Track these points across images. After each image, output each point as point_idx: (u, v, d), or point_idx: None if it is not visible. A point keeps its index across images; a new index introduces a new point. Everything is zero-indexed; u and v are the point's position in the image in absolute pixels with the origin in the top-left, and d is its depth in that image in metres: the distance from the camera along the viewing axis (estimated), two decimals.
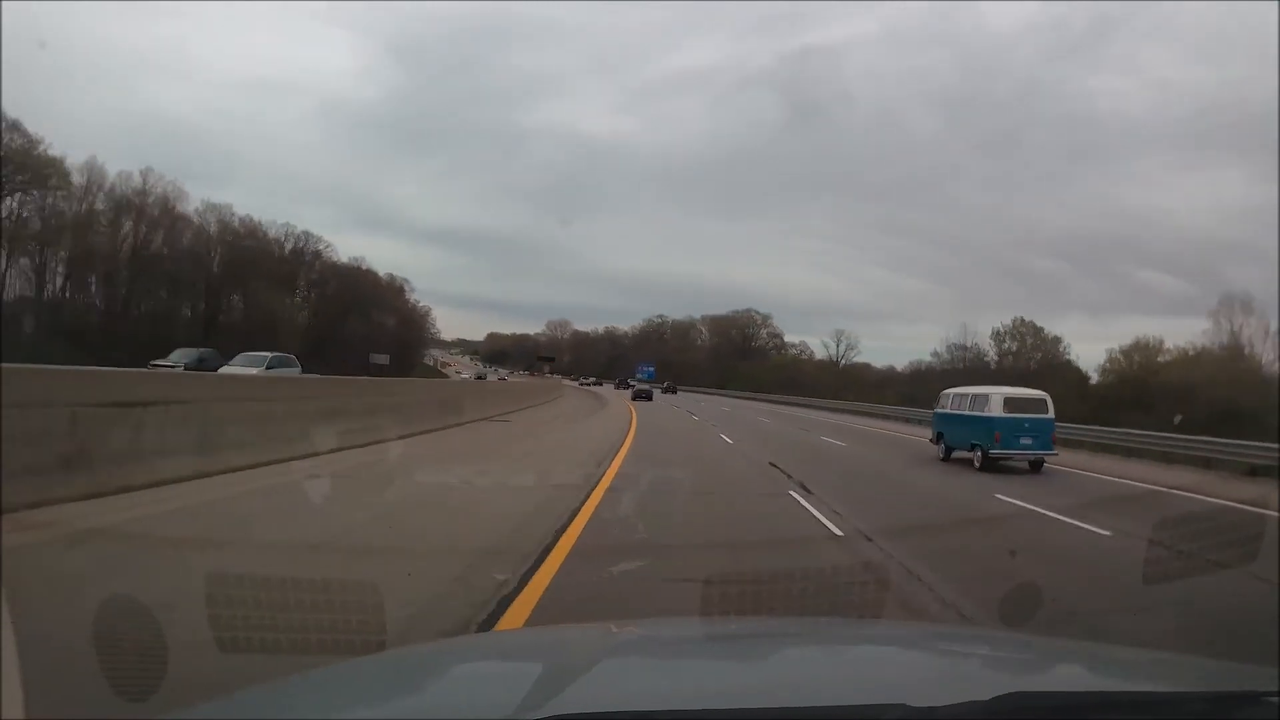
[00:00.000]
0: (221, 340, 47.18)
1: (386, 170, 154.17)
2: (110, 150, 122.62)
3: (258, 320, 64.17)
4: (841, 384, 75.65)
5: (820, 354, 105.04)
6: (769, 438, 24.79)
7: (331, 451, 11.88)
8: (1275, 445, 17.29)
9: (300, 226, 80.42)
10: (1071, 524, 9.59)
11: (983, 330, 71.61)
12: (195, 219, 67.85)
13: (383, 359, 58.01)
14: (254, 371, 22.52)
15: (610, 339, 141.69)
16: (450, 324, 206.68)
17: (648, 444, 19.63)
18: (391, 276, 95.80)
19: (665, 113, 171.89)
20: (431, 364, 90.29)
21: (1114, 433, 24.31)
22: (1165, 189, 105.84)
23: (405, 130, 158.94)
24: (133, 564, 5.34)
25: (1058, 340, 68.50)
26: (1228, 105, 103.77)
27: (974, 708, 1.30)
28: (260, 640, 2.93)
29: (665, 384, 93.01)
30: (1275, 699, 1.44)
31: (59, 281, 58.18)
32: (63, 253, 57.13)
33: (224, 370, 23.30)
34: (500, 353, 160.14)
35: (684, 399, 66.30)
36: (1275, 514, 10.14)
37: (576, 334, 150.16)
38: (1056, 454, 16.86)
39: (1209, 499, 12.70)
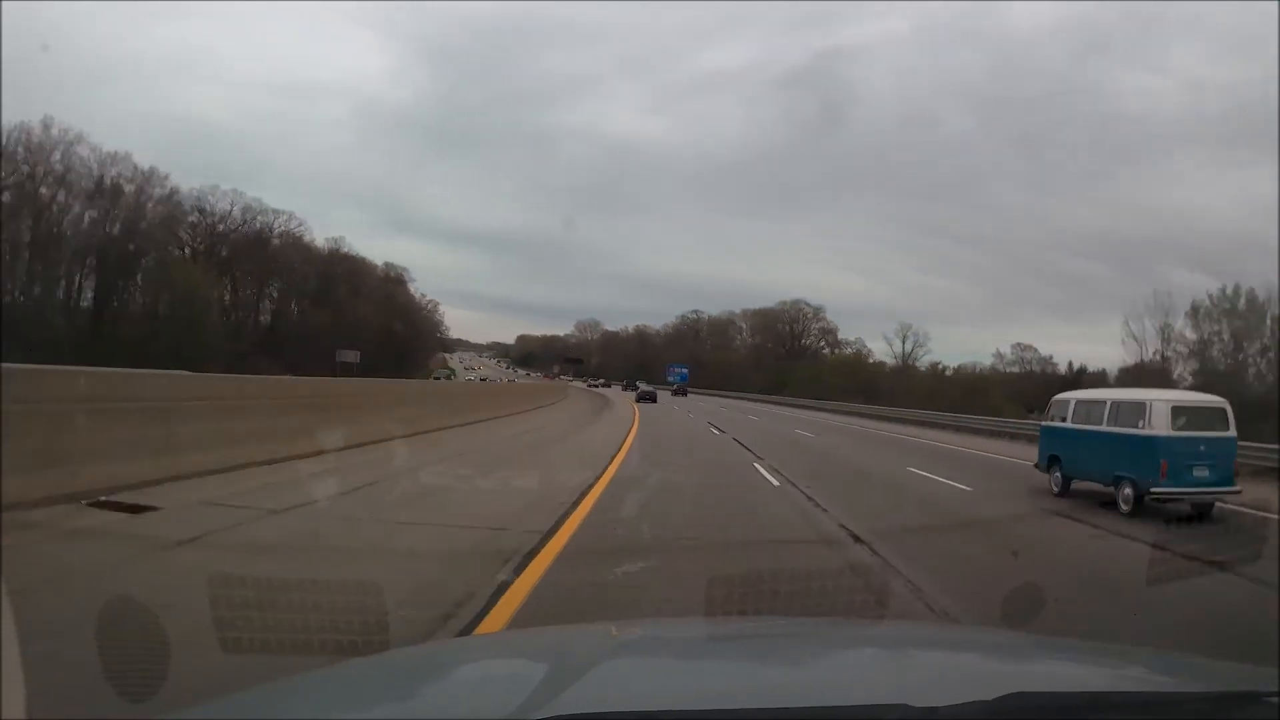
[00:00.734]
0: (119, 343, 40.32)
1: (419, 173, 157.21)
2: (141, 152, 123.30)
3: (170, 314, 53.32)
4: (929, 389, 64.82)
5: (877, 353, 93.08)
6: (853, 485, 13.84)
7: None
8: None
9: (275, 206, 73.69)
10: None
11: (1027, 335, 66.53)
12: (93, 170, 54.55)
13: (351, 356, 52.90)
14: None
15: (640, 339, 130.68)
16: (483, 327, 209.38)
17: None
18: (390, 266, 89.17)
19: (697, 113, 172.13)
20: (441, 364, 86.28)
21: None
22: (1197, 187, 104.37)
23: (437, 133, 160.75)
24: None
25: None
26: (1258, 102, 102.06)
27: (976, 708, 1.30)
28: (263, 640, 2.94)
29: (674, 387, 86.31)
30: (1275, 699, 1.44)
31: None
32: None
33: None
34: (529, 355, 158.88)
35: (701, 405, 53.92)
36: None
37: (606, 334, 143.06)
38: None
39: None
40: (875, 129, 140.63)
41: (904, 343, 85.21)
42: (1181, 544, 8.61)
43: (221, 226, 68.62)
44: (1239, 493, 11.14)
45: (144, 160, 60.18)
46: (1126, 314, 56.87)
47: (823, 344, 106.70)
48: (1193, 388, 36.83)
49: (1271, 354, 45.11)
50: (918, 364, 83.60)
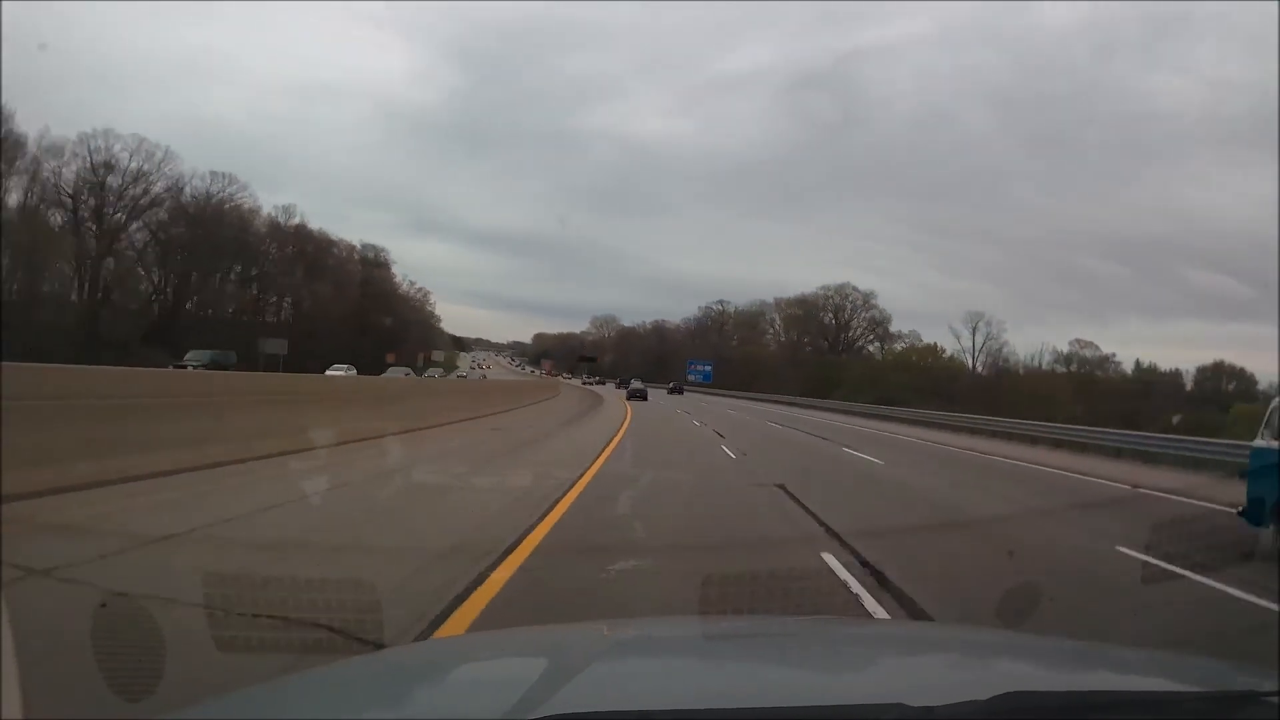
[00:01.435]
0: None
1: (442, 175, 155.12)
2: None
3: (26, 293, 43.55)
4: (1034, 392, 52.38)
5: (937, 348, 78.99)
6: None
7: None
8: None
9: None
10: None
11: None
12: None
13: (277, 347, 44.40)
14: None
15: (659, 334, 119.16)
16: (505, 327, 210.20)
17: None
18: (367, 247, 78.64)
19: (718, 114, 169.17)
20: (427, 359, 74.49)
21: None
22: (1219, 188, 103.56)
23: (461, 135, 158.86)
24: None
25: None
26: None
27: (972, 707, 1.30)
28: (259, 639, 2.93)
29: (671, 384, 79.61)
30: (1275, 699, 1.44)
31: None
32: None
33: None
34: (544, 353, 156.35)
35: (713, 411, 41.62)
36: None
37: (622, 331, 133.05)
38: None
39: None
40: (894, 130, 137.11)
41: (974, 335, 70.03)
42: (1174, 544, 8.58)
43: (119, 184, 55.77)
44: None
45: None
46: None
47: (871, 337, 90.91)
48: None
49: None
50: (1000, 360, 70.32)
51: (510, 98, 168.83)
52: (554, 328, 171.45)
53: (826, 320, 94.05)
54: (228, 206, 63.30)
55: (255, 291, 67.34)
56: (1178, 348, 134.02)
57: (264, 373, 29.08)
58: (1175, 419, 27.89)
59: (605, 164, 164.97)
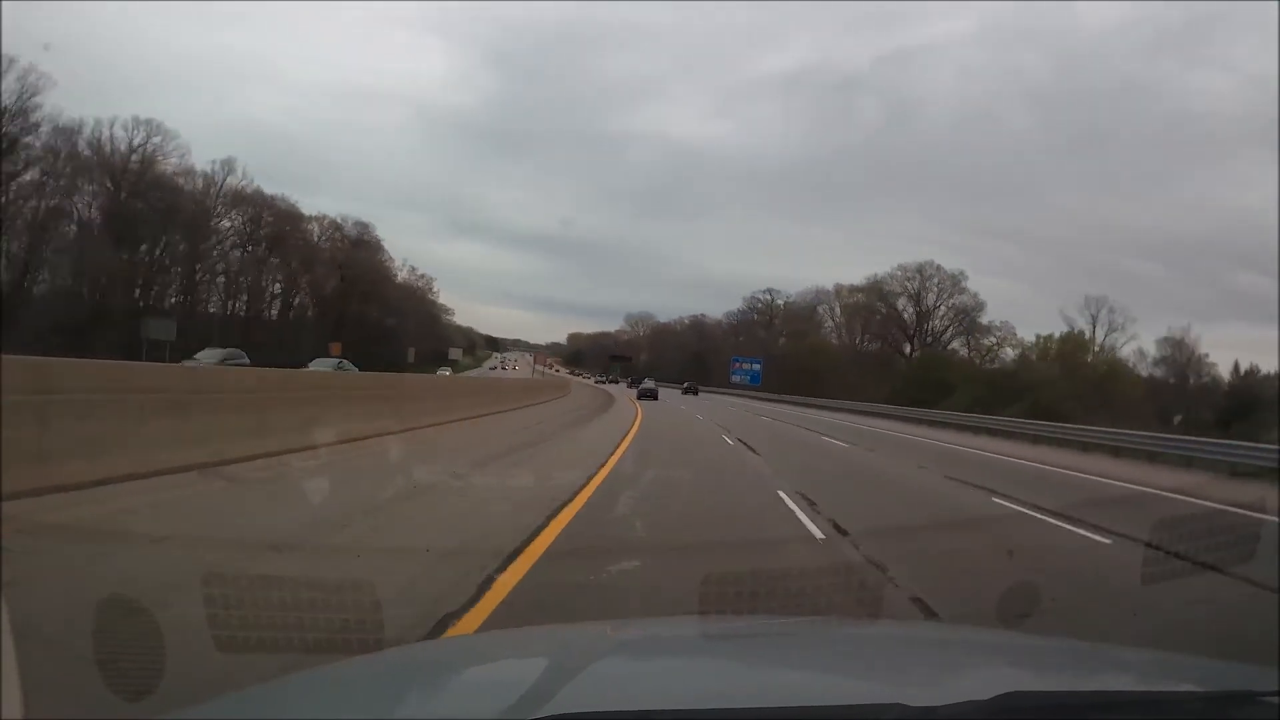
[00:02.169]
0: None
1: (480, 177, 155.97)
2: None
3: None
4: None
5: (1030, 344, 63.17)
6: None
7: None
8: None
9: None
10: None
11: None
12: None
13: (163, 331, 35.91)
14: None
15: (697, 330, 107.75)
16: (542, 328, 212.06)
17: None
18: (358, 225, 66.93)
19: (758, 115, 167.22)
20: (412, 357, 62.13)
21: None
22: (1262, 188, 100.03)
23: (500, 137, 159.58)
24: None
25: None
26: None
27: (973, 707, 1.30)
28: (259, 639, 2.94)
29: (685, 384, 73.58)
30: (1275, 699, 1.44)
31: None
32: None
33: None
34: (578, 353, 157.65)
35: (750, 418, 34.22)
36: None
37: (656, 328, 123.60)
38: None
39: None
40: (934, 130, 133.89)
41: (1094, 325, 55.27)
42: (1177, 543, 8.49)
43: None
44: None
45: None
46: None
47: (962, 328, 73.06)
48: None
49: None
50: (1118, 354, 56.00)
51: (548, 100, 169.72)
52: (594, 329, 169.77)
53: (903, 311, 75.84)
54: (157, 160, 51.12)
55: (171, 267, 53.49)
56: (1226, 350, 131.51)
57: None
58: None
59: (644, 165, 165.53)
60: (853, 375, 65.47)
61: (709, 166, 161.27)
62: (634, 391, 57.56)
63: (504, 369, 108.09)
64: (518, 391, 33.53)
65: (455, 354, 78.74)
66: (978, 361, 67.27)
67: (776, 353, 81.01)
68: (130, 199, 50.17)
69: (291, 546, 5.86)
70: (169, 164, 53.33)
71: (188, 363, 24.26)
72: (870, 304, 79.18)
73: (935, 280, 74.02)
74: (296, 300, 62.92)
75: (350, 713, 1.52)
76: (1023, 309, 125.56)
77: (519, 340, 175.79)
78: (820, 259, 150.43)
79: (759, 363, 76.63)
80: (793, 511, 9.23)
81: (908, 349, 75.41)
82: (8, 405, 6.51)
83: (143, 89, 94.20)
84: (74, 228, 49.03)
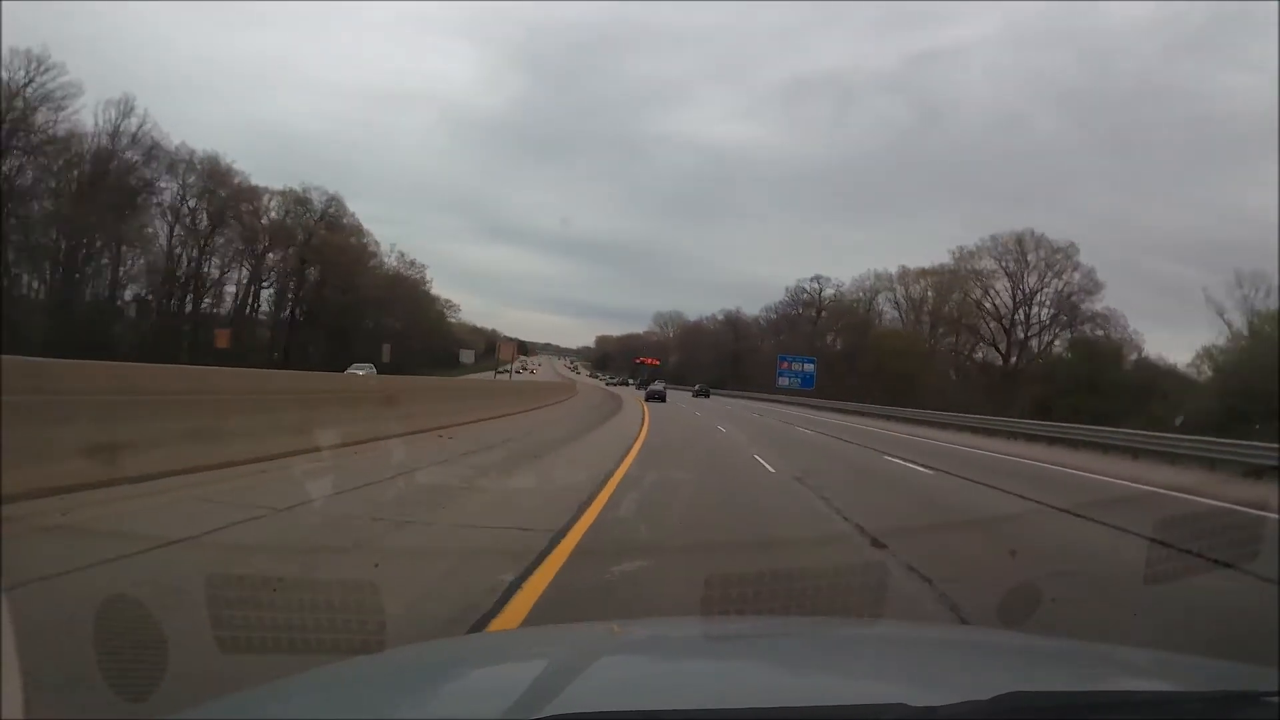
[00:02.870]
0: None
1: (512, 180, 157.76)
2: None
3: None
4: None
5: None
6: None
7: None
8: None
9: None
10: None
11: None
12: None
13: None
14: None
15: (733, 328, 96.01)
16: (574, 332, 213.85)
17: None
18: (324, 195, 56.25)
19: (787, 117, 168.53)
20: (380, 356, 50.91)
21: None
22: None
23: (531, 140, 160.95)
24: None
25: None
26: None
27: (973, 707, 1.30)
28: (260, 640, 2.94)
29: (696, 386, 68.52)
30: (1275, 699, 1.44)
31: None
32: None
33: None
34: (605, 356, 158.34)
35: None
36: None
37: (687, 327, 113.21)
38: None
39: None
40: (964, 132, 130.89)
41: (1248, 306, 39.50)
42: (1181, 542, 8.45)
43: None
44: None
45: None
46: None
47: (1063, 320, 56.20)
48: None
49: None
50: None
51: (580, 103, 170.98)
52: (622, 332, 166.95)
53: (992, 297, 58.11)
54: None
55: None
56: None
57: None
58: None
59: (675, 168, 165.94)
60: (939, 378, 51.45)
61: (739, 169, 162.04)
62: (643, 394, 55.91)
63: (524, 371, 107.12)
64: (509, 396, 29.01)
65: (468, 356, 73.80)
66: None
67: (829, 350, 68.86)
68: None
69: None
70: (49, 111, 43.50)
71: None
72: (949, 287, 61.90)
73: (1040, 251, 55.85)
74: (254, 290, 52.19)
75: (352, 713, 1.52)
76: None
77: (550, 344, 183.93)
78: (851, 260, 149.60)
79: (812, 362, 62.71)
80: None
81: (1003, 345, 58.65)
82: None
83: (166, 91, 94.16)
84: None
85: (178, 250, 49.79)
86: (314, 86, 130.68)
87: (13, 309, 35.78)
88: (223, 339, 40.39)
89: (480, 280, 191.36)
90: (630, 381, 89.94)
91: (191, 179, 49.84)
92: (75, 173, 44.50)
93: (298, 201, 55.73)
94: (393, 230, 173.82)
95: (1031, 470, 17.04)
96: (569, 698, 1.37)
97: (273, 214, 55.32)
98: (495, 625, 4.25)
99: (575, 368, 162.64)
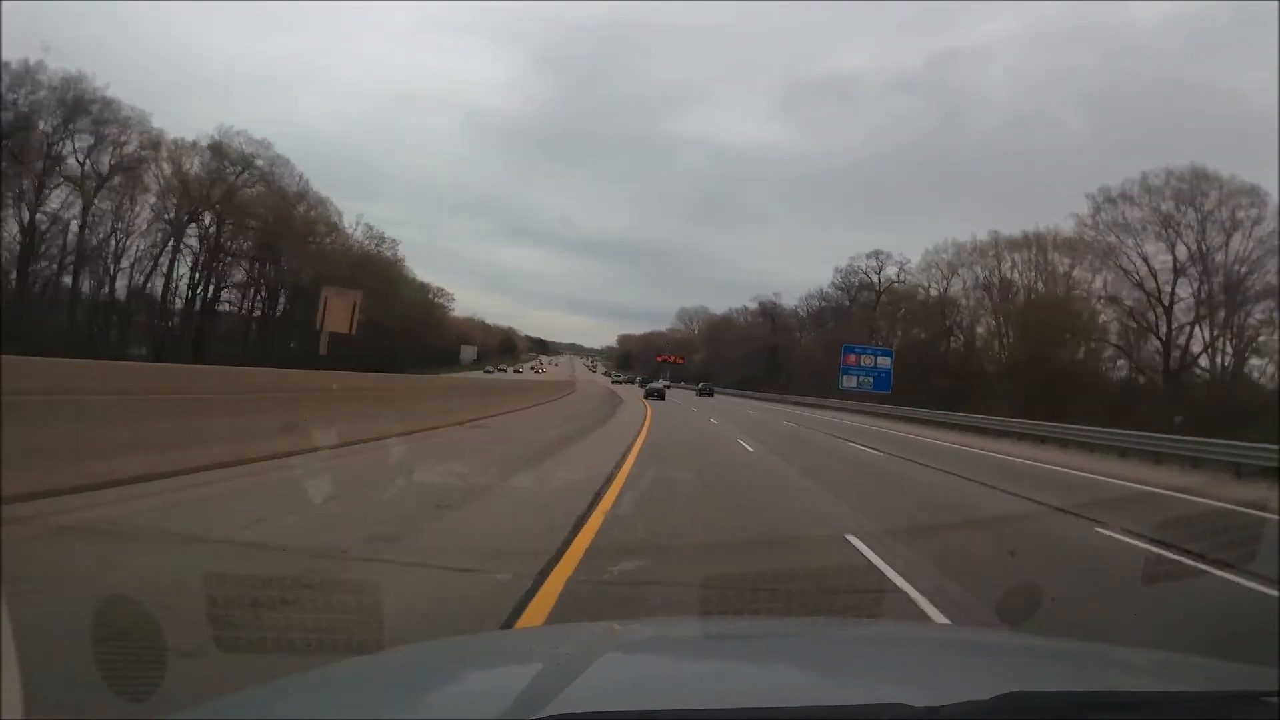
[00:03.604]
0: None
1: (534, 182, 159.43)
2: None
3: None
4: None
5: None
6: None
7: None
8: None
9: None
10: None
11: None
12: None
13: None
14: None
15: (770, 319, 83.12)
16: (597, 332, 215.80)
17: None
18: (265, 148, 45.45)
19: (812, 119, 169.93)
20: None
21: None
22: None
23: (553, 142, 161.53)
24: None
25: None
26: None
27: (974, 707, 1.30)
28: (260, 640, 2.94)
29: (700, 385, 65.71)
30: (1275, 699, 1.44)
31: None
32: None
33: None
34: (627, 355, 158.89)
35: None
36: None
37: (713, 321, 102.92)
38: None
39: None
40: (985, 132, 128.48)
41: None
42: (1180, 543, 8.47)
43: None
44: None
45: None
46: None
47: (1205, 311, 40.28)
48: None
49: None
50: None
51: (601, 105, 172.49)
52: (645, 330, 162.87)
53: (1145, 261, 39.86)
54: None
55: None
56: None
57: None
58: None
59: (697, 170, 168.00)
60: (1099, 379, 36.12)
61: (761, 170, 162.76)
62: (641, 391, 56.00)
63: (530, 371, 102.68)
64: (472, 396, 23.14)
65: (469, 353, 73.46)
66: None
67: (910, 342, 54.70)
68: None
69: None
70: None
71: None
72: (1087, 247, 43.21)
73: (1215, 197, 37.58)
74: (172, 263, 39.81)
75: (352, 713, 1.52)
76: None
77: (574, 344, 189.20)
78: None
79: (888, 355, 47.24)
80: None
81: (1161, 326, 41.28)
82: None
83: (189, 93, 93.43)
84: None
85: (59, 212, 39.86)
86: (339, 91, 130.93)
87: None
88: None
89: (506, 281, 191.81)
90: (635, 380, 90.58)
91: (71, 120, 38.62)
92: None
93: (214, 151, 43.81)
94: (418, 234, 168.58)
95: None
96: (569, 698, 1.37)
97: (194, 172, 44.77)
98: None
99: (594, 367, 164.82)
